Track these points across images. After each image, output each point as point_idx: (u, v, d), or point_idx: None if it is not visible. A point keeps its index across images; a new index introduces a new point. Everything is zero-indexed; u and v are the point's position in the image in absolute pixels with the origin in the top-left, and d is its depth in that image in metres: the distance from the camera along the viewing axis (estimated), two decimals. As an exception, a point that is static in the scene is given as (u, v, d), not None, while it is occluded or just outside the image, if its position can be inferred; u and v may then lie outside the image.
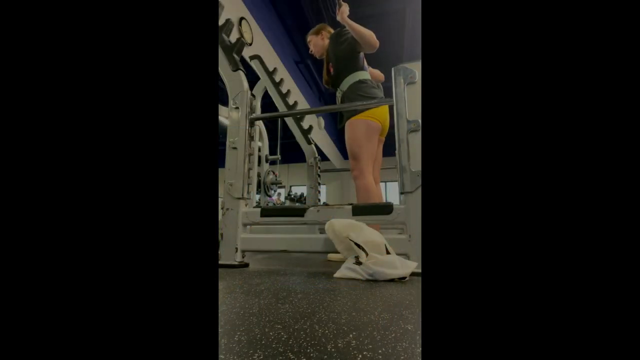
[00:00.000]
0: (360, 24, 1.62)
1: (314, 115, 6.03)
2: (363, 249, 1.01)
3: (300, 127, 2.69)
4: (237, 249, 1.29)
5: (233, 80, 1.46)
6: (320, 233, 1.64)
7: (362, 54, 1.78)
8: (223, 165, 1.38)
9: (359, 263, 0.98)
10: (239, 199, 1.34)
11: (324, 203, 3.25)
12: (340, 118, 1.83)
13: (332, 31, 1.91)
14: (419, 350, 0.39)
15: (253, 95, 1.53)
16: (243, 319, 0.52)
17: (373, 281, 0.91)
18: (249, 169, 1.40)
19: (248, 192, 1.38)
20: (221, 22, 1.60)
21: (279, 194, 5.14)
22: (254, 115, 1.45)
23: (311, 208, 1.28)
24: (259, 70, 2.66)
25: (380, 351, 0.38)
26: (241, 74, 1.46)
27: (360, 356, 0.37)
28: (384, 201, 1.31)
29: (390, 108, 1.38)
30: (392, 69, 1.27)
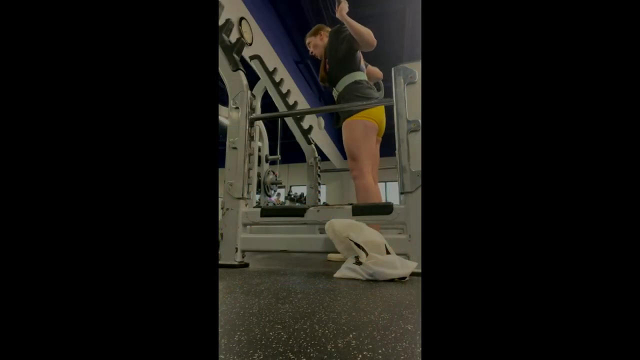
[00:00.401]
0: (360, 24, 1.62)
1: (314, 115, 6.03)
2: (363, 249, 1.01)
3: (300, 127, 2.69)
4: (237, 249, 1.29)
5: (233, 80, 1.46)
6: (320, 233, 1.64)
7: (359, 53, 1.77)
8: (223, 165, 1.38)
9: (359, 263, 0.98)
10: (239, 199, 1.34)
11: (324, 203, 3.25)
12: (337, 118, 1.83)
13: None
14: (419, 350, 0.39)
15: (253, 95, 1.53)
16: (243, 319, 0.52)
17: (373, 281, 0.91)
18: (249, 169, 1.40)
19: (248, 192, 1.38)
20: (221, 22, 1.60)
21: (279, 194, 5.14)
22: (254, 115, 1.45)
23: (311, 208, 1.28)
24: (259, 70, 2.66)
25: (380, 351, 0.38)
26: (241, 74, 1.46)
27: (360, 356, 0.37)
28: (384, 201, 1.31)
29: (390, 108, 1.38)
30: (392, 69, 1.27)
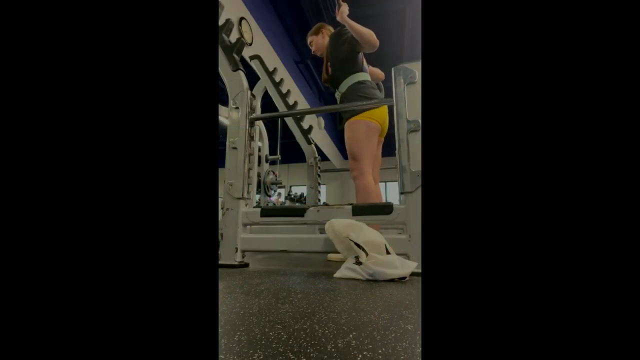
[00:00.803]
0: (360, 24, 1.62)
1: (314, 115, 6.03)
2: (363, 249, 1.01)
3: (300, 127, 2.69)
4: (237, 249, 1.29)
5: (233, 80, 1.46)
6: (320, 233, 1.64)
7: (361, 54, 1.77)
8: (223, 165, 1.38)
9: (359, 263, 0.98)
10: (239, 199, 1.34)
11: (324, 203, 3.25)
12: (340, 119, 1.83)
13: (332, 29, 1.91)
14: (419, 350, 0.39)
15: (253, 95, 1.53)
16: (243, 319, 0.52)
17: (373, 281, 0.91)
18: (249, 169, 1.40)
19: (248, 192, 1.38)
20: (221, 22, 1.60)
21: (279, 194, 5.14)
22: (254, 115, 1.45)
23: (311, 208, 1.28)
24: (259, 70, 2.66)
25: (380, 351, 0.38)
26: (241, 74, 1.46)
27: (360, 356, 0.37)
28: (384, 201, 1.31)
29: (390, 108, 1.38)
30: (392, 69, 1.27)
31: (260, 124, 2.64)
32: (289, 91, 2.72)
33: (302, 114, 2.69)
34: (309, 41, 1.98)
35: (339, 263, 1.09)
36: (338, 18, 1.68)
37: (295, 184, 10.12)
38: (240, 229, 1.32)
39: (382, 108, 1.68)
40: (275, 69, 2.72)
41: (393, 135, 1.23)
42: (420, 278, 0.98)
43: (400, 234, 1.21)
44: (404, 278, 0.93)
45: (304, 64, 6.16)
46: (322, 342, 0.41)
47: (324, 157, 7.13)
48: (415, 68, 1.23)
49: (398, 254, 1.04)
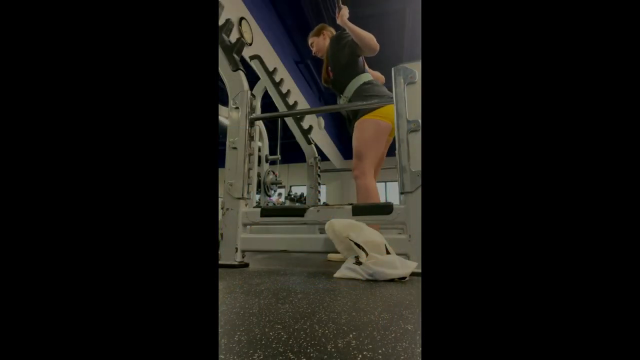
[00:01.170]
0: (360, 24, 1.62)
1: (314, 115, 6.03)
2: (363, 249, 1.01)
3: (300, 127, 2.68)
4: (237, 249, 1.29)
5: (233, 80, 1.46)
6: (320, 233, 1.64)
7: (362, 58, 1.75)
8: (223, 165, 1.38)
9: (359, 263, 0.98)
10: (239, 199, 1.34)
11: (324, 203, 3.25)
12: (349, 121, 1.79)
13: (333, 30, 1.90)
14: (419, 350, 0.39)
15: (253, 95, 1.53)
16: (243, 319, 0.52)
17: (373, 281, 0.91)
18: (249, 169, 1.40)
19: (248, 192, 1.38)
20: (221, 22, 1.60)
21: (279, 194, 5.14)
22: (254, 115, 1.45)
23: (311, 208, 1.28)
24: (259, 70, 2.66)
25: (380, 351, 0.38)
26: (241, 74, 1.46)
27: (360, 356, 0.37)
28: (383, 201, 1.31)
29: (391, 108, 1.38)
30: (392, 69, 1.27)
31: (260, 124, 2.64)
32: (289, 91, 2.72)
33: (302, 114, 2.69)
34: (310, 42, 1.97)
35: (339, 263, 1.09)
36: (338, 21, 1.67)
37: (295, 184, 10.12)
38: (240, 229, 1.32)
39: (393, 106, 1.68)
40: (275, 69, 2.72)
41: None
42: (420, 278, 0.98)
43: (400, 234, 1.21)
44: (404, 278, 0.93)
45: (304, 64, 6.16)
46: (322, 342, 0.41)
47: (324, 157, 7.13)
48: (415, 68, 1.23)
49: (398, 254, 1.04)
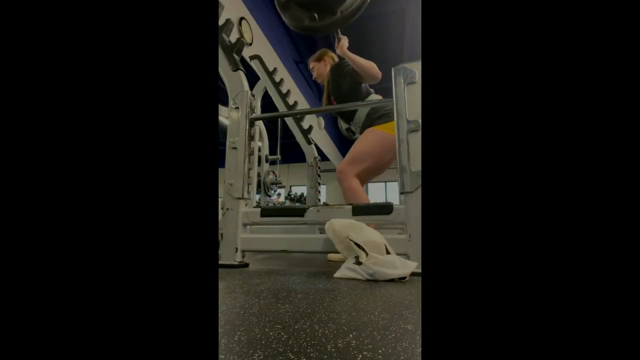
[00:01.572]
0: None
1: (314, 115, 6.02)
2: (363, 249, 1.01)
3: (300, 127, 2.69)
4: (237, 249, 1.29)
5: (233, 80, 1.46)
6: (320, 233, 1.63)
7: (365, 84, 1.72)
8: (223, 165, 1.38)
9: (359, 263, 0.98)
10: (239, 199, 1.34)
11: (324, 203, 3.25)
12: (356, 128, 1.76)
13: (334, 56, 1.85)
14: (419, 350, 0.39)
15: (253, 95, 1.53)
16: (243, 319, 0.52)
17: (373, 281, 0.91)
18: (249, 169, 1.40)
19: (248, 192, 1.38)
20: (221, 22, 1.60)
21: (279, 194, 5.14)
22: (254, 115, 1.45)
23: (311, 208, 1.28)
24: (259, 70, 2.66)
25: (380, 351, 0.38)
26: (241, 74, 1.46)
27: (360, 356, 0.37)
28: (381, 202, 1.31)
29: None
30: (392, 69, 1.27)
31: (260, 124, 2.64)
32: (289, 91, 2.72)
33: (302, 114, 2.69)
34: (310, 67, 1.93)
35: (339, 263, 1.09)
36: (338, 51, 1.64)
37: (295, 184, 10.12)
38: (240, 229, 1.32)
39: None
40: (275, 69, 2.72)
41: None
42: (420, 278, 0.98)
43: (400, 234, 1.21)
44: (404, 278, 0.93)
45: (304, 64, 6.15)
46: (322, 342, 0.41)
47: (324, 157, 7.13)
48: (415, 68, 1.23)
49: (398, 254, 1.04)
